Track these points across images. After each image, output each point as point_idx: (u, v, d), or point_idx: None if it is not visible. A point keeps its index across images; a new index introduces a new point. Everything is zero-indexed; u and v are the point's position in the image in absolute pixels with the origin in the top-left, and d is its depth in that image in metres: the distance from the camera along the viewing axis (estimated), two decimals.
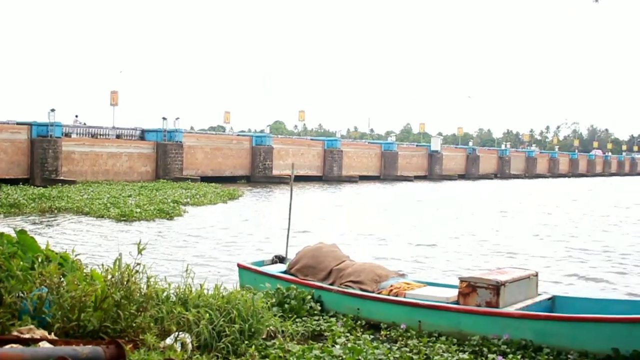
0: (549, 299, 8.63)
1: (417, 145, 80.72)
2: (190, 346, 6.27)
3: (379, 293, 8.89)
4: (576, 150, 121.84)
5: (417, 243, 17.97)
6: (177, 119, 50.80)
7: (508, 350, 7.26)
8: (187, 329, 6.49)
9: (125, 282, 6.31)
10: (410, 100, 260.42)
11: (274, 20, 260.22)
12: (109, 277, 6.39)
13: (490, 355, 6.95)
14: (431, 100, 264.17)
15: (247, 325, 6.83)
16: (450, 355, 7.00)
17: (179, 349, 6.12)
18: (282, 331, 7.47)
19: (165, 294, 7.03)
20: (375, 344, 7.21)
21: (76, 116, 51.17)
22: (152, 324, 6.30)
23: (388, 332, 8.19)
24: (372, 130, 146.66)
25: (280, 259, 10.97)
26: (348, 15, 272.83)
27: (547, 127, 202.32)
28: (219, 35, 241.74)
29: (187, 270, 7.44)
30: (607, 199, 43.00)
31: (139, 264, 6.57)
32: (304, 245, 10.65)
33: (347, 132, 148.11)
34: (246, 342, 6.71)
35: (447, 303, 8.26)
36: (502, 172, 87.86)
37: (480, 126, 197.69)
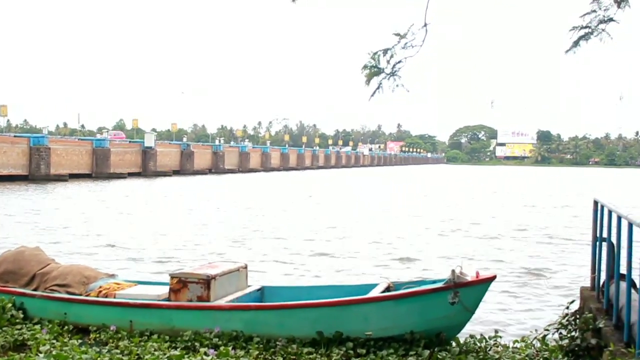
0: (258, 289, 8.91)
1: (130, 142, 79.08)
2: None
3: (87, 295, 8.55)
4: (287, 145, 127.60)
5: (122, 244, 17.58)
6: None
7: (220, 342, 7.38)
8: None
9: None
10: (122, 96, 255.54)
11: None
12: None
13: (202, 349, 6.98)
14: (144, 96, 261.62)
15: None
16: (161, 352, 6.91)
17: None
18: None
19: None
20: (83, 348, 6.89)
21: None
22: None
23: (98, 335, 7.90)
24: (83, 126, 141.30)
25: None
26: (56, 5, 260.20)
27: (260, 123, 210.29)
28: None
29: None
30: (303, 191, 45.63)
31: None
32: (3, 250, 9.91)
33: (57, 128, 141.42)
34: None
35: (158, 300, 8.18)
36: (216, 167, 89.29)
37: (194, 122, 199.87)
